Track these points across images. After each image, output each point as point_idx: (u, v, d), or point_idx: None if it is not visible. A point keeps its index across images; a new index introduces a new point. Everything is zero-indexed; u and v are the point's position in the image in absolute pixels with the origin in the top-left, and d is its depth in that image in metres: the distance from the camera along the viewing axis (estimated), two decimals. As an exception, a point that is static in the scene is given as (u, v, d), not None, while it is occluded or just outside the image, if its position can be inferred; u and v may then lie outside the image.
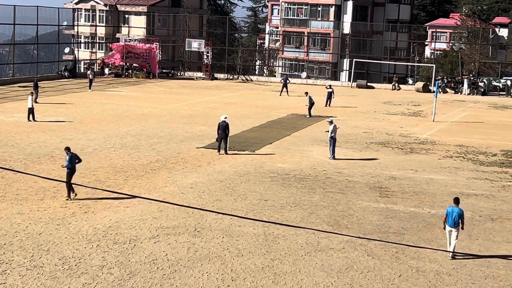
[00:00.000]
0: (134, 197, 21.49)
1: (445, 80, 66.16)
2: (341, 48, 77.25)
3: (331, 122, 30.54)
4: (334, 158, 29.81)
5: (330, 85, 51.42)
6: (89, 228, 19.13)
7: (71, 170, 21.95)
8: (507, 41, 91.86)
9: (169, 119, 39.62)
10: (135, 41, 70.52)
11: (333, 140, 30.03)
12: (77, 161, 22.27)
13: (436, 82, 53.69)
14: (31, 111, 37.07)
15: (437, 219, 20.89)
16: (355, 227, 20.34)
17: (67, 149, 22.50)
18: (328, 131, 30.31)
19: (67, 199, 21.74)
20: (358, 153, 31.68)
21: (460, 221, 17.64)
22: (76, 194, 21.92)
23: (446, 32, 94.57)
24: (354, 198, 23.45)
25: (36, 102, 40.53)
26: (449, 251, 17.74)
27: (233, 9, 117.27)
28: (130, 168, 26.73)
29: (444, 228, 18.05)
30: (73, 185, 21.92)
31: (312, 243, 18.53)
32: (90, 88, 53.29)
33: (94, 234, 18.62)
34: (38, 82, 47.30)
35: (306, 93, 44.47)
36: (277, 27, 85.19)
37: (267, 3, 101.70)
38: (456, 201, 18.10)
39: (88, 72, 56.98)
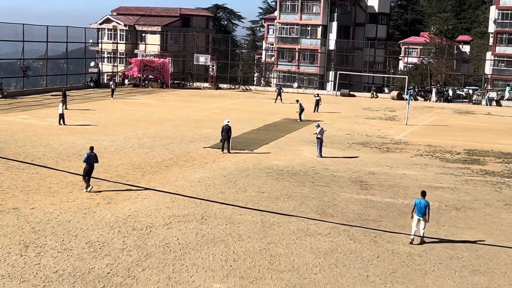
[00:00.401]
0: (150, 189, 21.50)
1: (416, 89, 66.19)
2: (327, 62, 77.28)
3: (318, 126, 30.57)
4: (321, 156, 29.82)
5: (317, 94, 51.49)
6: (111, 216, 19.15)
7: (89, 166, 22.00)
8: (469, 56, 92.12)
9: (180, 123, 39.62)
10: (150, 56, 70.53)
11: (320, 141, 30.07)
12: (95, 160, 22.29)
13: (408, 91, 53.69)
14: (61, 116, 37.09)
15: (410, 208, 20.81)
16: (339, 215, 20.36)
17: (91, 148, 22.68)
18: (316, 133, 30.34)
19: (86, 191, 21.80)
20: (342, 152, 31.70)
21: (426, 211, 17.59)
22: (88, 189, 21.89)
23: (417, 48, 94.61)
24: (338, 191, 23.48)
25: (66, 108, 40.50)
26: (415, 242, 17.63)
27: (234, 28, 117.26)
28: (146, 165, 26.74)
29: (412, 217, 18.01)
30: (90, 181, 21.91)
31: (302, 229, 18.55)
32: (112, 97, 53.26)
33: (116, 222, 18.64)
34: (66, 91, 47.27)
35: (297, 100, 44.57)
36: (272, 44, 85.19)
37: (263, 24, 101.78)
38: (423, 194, 18.09)
39: (111, 82, 56.95)
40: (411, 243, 17.61)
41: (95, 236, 17.35)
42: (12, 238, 16.89)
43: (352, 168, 27.72)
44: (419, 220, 17.68)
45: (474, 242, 18.06)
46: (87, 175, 21.84)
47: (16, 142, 31.05)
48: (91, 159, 22.12)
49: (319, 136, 30.04)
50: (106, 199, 21.06)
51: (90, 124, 37.64)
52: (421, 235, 17.72)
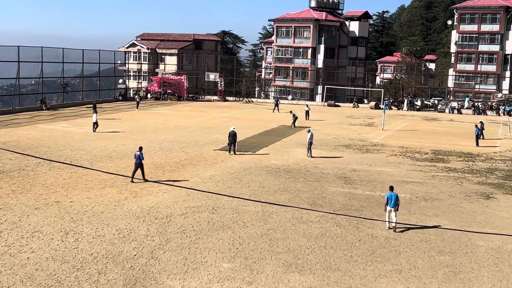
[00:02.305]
0: (169, 185, 21.50)
1: (390, 100, 66.16)
2: (316, 78, 77.23)
3: (308, 131, 30.53)
4: (311, 156, 29.78)
5: (307, 105, 51.60)
6: (137, 208, 19.15)
7: (137, 161, 22.75)
8: (435, 72, 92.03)
9: (194, 130, 39.62)
10: (169, 74, 70.56)
11: (310, 144, 30.02)
12: (140, 157, 22.85)
13: (384, 102, 53.73)
14: (95, 124, 37.10)
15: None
16: (327, 205, 20.35)
17: (139, 148, 23.47)
18: (310, 139, 30.17)
19: (132, 181, 22.65)
20: (329, 152, 31.68)
21: (397, 201, 17.54)
22: (132, 181, 22.60)
23: (391, 66, 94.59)
24: (326, 185, 23.46)
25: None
26: (391, 227, 17.53)
27: (239, 50, 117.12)
28: (166, 165, 26.74)
29: (385, 209, 17.84)
30: (142, 174, 22.90)
31: (296, 217, 18.54)
32: (137, 108, 53.26)
33: (141, 212, 18.64)
34: (97, 104, 47.27)
35: (291, 111, 44.63)
36: (270, 63, 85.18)
37: (263, 46, 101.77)
38: (391, 188, 17.99)
39: (136, 96, 56.94)
40: (389, 228, 17.57)
41: (123, 224, 17.35)
42: (55, 227, 16.90)
43: (338, 166, 27.70)
44: (390, 210, 17.55)
45: (439, 227, 18.05)
46: (136, 169, 22.77)
47: (58, 146, 31.07)
48: (136, 157, 22.86)
49: (309, 140, 30.00)
50: (132, 193, 21.07)
51: (119, 131, 37.65)
52: (394, 224, 17.55)
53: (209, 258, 14.72)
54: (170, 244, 15.69)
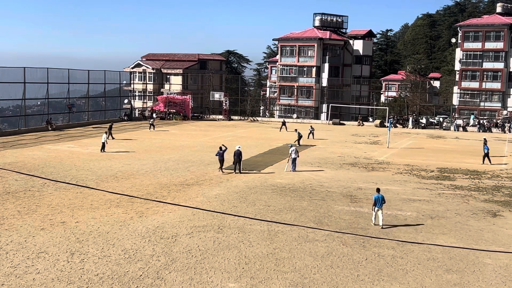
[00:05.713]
0: (175, 205, 21.51)
1: (396, 118, 66.22)
2: (321, 96, 77.49)
3: (291, 146, 31.25)
4: (294, 170, 30.56)
5: (311, 126, 51.41)
6: (142, 228, 19.15)
7: (220, 158, 29.68)
8: (439, 89, 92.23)
9: (199, 149, 39.71)
10: (174, 94, 70.94)
11: (293, 159, 30.73)
12: (222, 154, 29.63)
13: (389, 120, 53.67)
14: (103, 145, 37.23)
15: (392, 218, 20.83)
16: (333, 224, 20.29)
17: (220, 148, 30.36)
18: (291, 155, 30.84)
19: (219, 171, 29.54)
20: (334, 171, 31.67)
21: (383, 203, 19.76)
22: (222, 172, 29.50)
23: (395, 84, 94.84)
24: (332, 204, 23.41)
25: (112, 138, 41.05)
26: (377, 223, 19.69)
27: (243, 70, 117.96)
28: (171, 184, 26.78)
29: (373, 209, 19.91)
30: (222, 167, 29.64)
31: (302, 236, 18.49)
32: (150, 129, 52.07)
33: (146, 232, 18.64)
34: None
35: (296, 129, 44.72)
36: (275, 82, 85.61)
37: (267, 65, 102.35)
38: (378, 190, 20.20)
39: (151, 120, 54.15)
40: (374, 224, 19.72)
41: (129, 244, 17.34)
42: (60, 247, 16.92)
43: (343, 184, 27.66)
44: (378, 210, 19.57)
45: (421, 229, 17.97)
46: (221, 163, 29.60)
47: (63, 167, 31.20)
48: (219, 154, 29.74)
49: (293, 156, 30.41)
50: (138, 213, 21.09)
51: (124, 151, 37.77)
52: (381, 223, 19.54)
53: (215, 278, 14.68)
54: (176, 264, 15.66)
